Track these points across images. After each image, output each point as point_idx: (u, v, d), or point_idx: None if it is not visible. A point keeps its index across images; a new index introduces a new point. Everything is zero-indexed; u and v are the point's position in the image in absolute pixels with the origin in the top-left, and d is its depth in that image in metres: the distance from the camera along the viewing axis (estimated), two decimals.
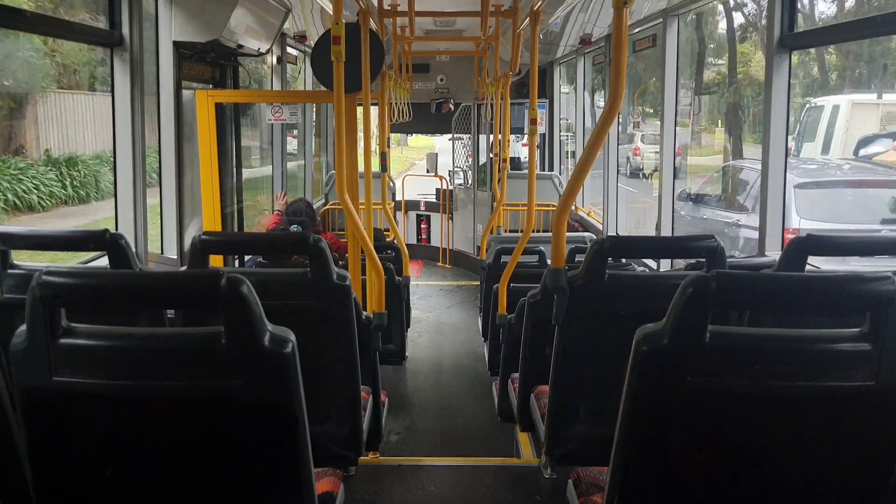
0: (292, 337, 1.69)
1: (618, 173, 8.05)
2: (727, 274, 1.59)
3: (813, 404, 1.64)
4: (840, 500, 1.73)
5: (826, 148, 11.60)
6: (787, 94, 4.04)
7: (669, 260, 5.43)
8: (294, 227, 6.21)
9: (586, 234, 8.09)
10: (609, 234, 7.86)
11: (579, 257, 4.71)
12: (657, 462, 1.73)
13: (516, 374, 3.70)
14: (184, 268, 2.77)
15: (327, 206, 10.64)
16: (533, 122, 4.67)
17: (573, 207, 9.33)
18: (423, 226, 12.04)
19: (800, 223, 6.91)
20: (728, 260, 2.71)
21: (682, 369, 1.61)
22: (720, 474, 1.75)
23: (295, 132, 9.93)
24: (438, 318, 8.75)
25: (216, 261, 4.80)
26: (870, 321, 1.59)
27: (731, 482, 1.74)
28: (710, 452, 1.73)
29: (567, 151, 11.60)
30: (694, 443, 1.72)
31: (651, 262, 5.83)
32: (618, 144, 8.13)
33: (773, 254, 4.06)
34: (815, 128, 11.96)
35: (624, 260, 5.14)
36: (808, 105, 12.87)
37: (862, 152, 10.93)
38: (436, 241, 11.81)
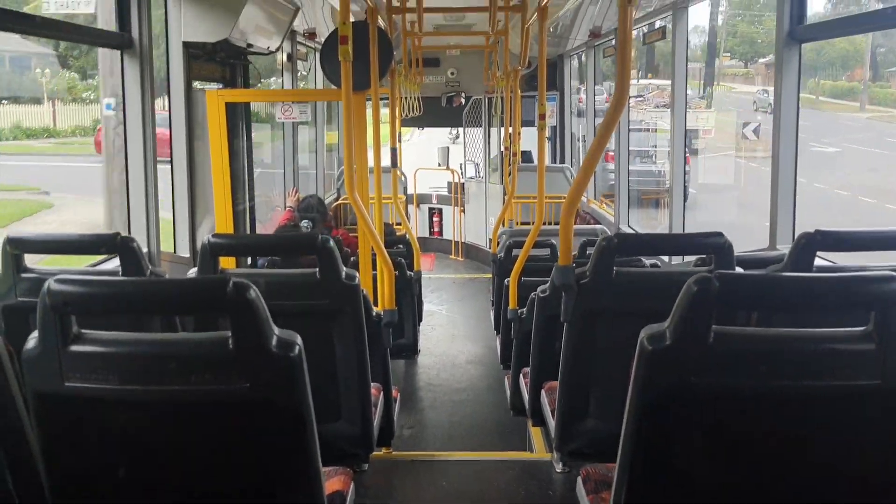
0: (299, 340, 1.72)
1: (629, 166, 8.02)
2: (730, 275, 1.59)
3: (818, 404, 1.64)
4: (848, 501, 1.73)
5: None
6: (797, 87, 4.01)
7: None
8: (305, 223, 6.24)
9: (598, 226, 8.07)
10: (621, 226, 7.83)
11: (591, 250, 4.71)
12: (663, 461, 1.74)
13: (528, 369, 3.71)
14: (195, 268, 2.80)
15: (339, 201, 10.67)
16: (542, 116, 4.67)
17: (584, 199, 9.32)
18: (435, 219, 12.04)
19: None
20: (737, 254, 2.71)
21: (686, 370, 1.62)
22: (726, 473, 1.75)
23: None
24: (451, 311, 8.76)
25: (229, 261, 4.84)
26: (874, 320, 1.59)
27: (737, 481, 1.75)
28: (715, 452, 1.74)
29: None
30: (699, 442, 1.73)
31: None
32: (628, 137, 8.09)
33: (784, 247, 4.05)
34: None
35: None
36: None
37: None
38: (448, 233, 11.82)
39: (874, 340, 1.58)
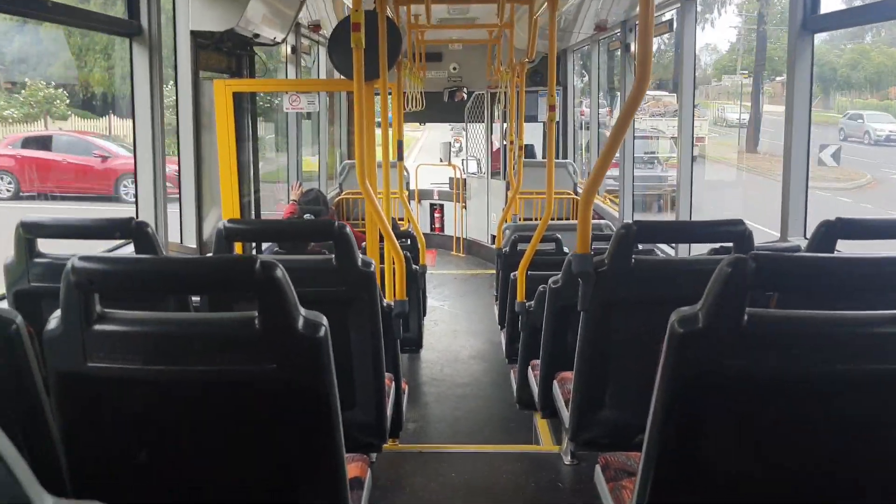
0: (325, 321, 1.70)
1: (633, 161, 8.01)
2: (766, 255, 1.57)
3: (853, 388, 1.63)
4: (885, 488, 1.71)
5: None
6: (810, 78, 3.99)
7: (689, 247, 5.40)
8: (308, 216, 6.23)
9: (603, 221, 8.06)
10: (626, 220, 7.82)
11: (597, 244, 4.69)
12: (692, 446, 1.72)
13: (536, 361, 3.69)
14: (209, 255, 2.79)
15: (342, 196, 10.64)
16: (552, 108, 4.65)
17: None
18: (436, 215, 12.04)
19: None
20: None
21: (719, 353, 1.60)
22: (757, 459, 1.73)
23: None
24: (454, 307, 8.75)
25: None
26: None
27: (768, 468, 1.73)
28: (746, 437, 1.72)
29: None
30: (730, 427, 1.71)
31: (669, 250, 5.80)
32: (633, 133, 8.08)
33: (796, 239, 4.03)
34: None
35: (640, 246, 5.11)
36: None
37: None
38: (449, 230, 11.81)
39: None
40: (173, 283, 1.74)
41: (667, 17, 6.28)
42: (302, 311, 1.67)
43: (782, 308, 2.25)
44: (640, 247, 4.79)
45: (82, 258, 1.60)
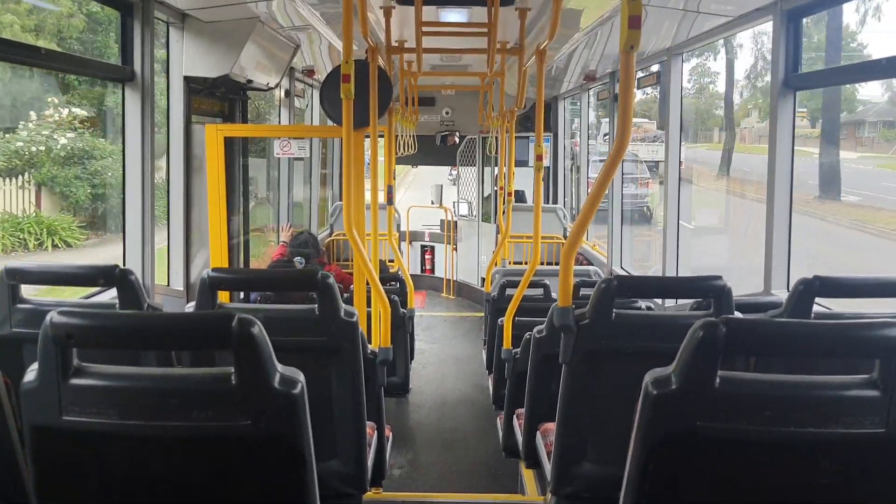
0: (301, 378, 1.70)
1: (622, 209, 8.07)
2: (736, 320, 1.60)
3: (823, 451, 1.64)
4: None
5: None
6: (791, 134, 4.06)
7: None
8: (298, 259, 6.24)
9: (591, 267, 8.09)
10: (614, 267, 7.86)
11: (584, 291, 4.71)
12: None
13: (522, 410, 3.68)
14: (192, 303, 2.79)
15: (332, 237, 10.67)
16: (539, 157, 4.70)
17: None
18: (427, 256, 12.06)
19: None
20: (734, 299, 2.71)
21: (692, 415, 1.61)
22: None
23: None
24: (442, 350, 8.72)
25: (222, 294, 4.82)
26: (879, 368, 1.59)
27: None
28: (720, 498, 1.72)
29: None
30: (704, 488, 1.72)
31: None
32: (622, 181, 8.16)
33: (778, 292, 4.06)
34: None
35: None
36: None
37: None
38: (440, 271, 11.82)
39: (879, 388, 1.59)
40: (151, 340, 1.75)
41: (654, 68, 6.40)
42: (279, 367, 1.68)
43: (761, 368, 2.27)
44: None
45: (61, 313, 1.61)
